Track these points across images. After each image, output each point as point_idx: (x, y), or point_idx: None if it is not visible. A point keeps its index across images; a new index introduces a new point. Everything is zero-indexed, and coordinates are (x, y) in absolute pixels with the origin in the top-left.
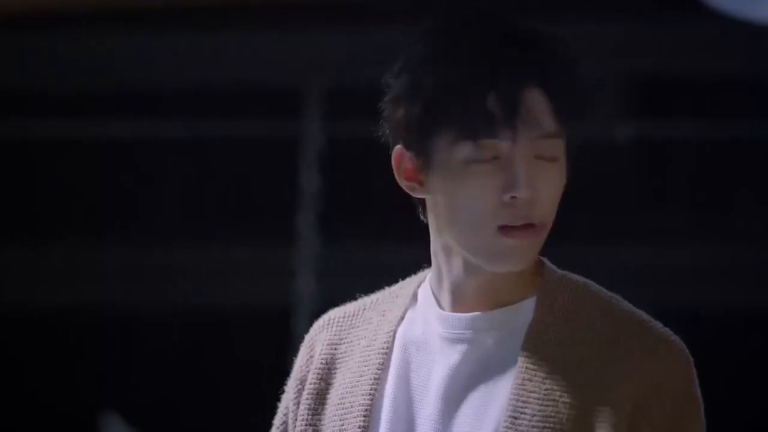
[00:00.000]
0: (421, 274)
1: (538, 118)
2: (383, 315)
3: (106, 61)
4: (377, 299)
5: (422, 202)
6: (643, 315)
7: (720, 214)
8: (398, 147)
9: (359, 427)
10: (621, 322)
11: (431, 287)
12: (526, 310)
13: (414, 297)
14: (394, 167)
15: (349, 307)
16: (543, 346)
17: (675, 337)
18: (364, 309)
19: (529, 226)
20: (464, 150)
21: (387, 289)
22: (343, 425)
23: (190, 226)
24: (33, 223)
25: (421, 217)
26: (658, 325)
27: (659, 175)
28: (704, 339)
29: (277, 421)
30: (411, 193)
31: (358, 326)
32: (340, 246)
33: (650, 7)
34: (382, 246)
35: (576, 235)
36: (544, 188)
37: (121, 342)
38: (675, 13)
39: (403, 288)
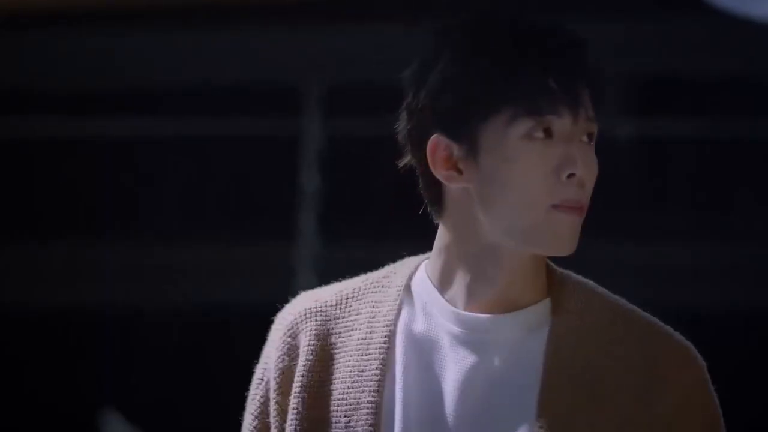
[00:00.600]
0: (406, 264)
1: (588, 102)
2: (374, 307)
3: (106, 60)
4: (359, 289)
5: (436, 196)
6: (653, 319)
7: (720, 214)
8: (434, 137)
9: (370, 425)
10: (637, 326)
11: (432, 282)
12: (542, 312)
13: (407, 289)
14: (429, 157)
15: (326, 296)
16: (566, 349)
17: (689, 343)
18: (347, 298)
19: (578, 207)
20: (522, 127)
21: (364, 276)
22: (349, 422)
23: (189, 225)
24: (32, 223)
25: (434, 215)
26: (671, 330)
27: (660, 174)
28: (704, 339)
29: (254, 410)
30: (447, 183)
31: (344, 317)
32: (340, 245)
33: (651, 5)
34: (382, 245)
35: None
36: (591, 172)
37: (121, 341)
38: (676, 11)
39: (387, 278)
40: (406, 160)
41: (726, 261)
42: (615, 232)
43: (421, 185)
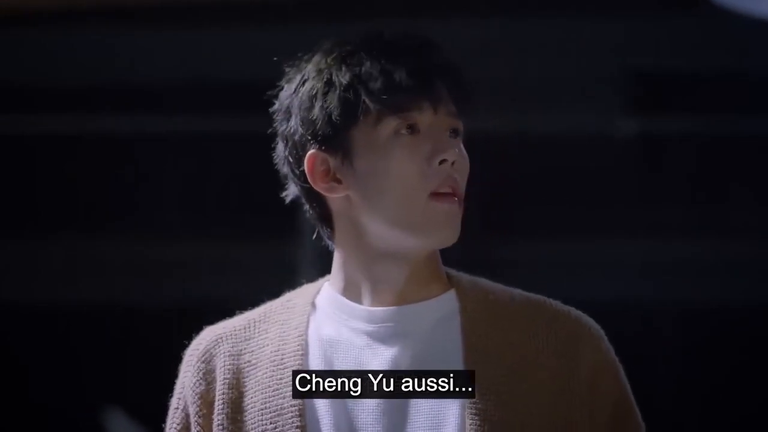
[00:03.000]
0: (307, 288)
1: (448, 99)
2: (283, 324)
3: (105, 57)
4: (265, 313)
5: (324, 216)
6: (550, 299)
7: (723, 211)
8: (310, 153)
9: (297, 427)
10: (542, 308)
11: (337, 293)
12: (449, 301)
13: (312, 305)
14: (308, 174)
15: (234, 323)
16: (481, 329)
17: (588, 317)
18: (255, 322)
19: (454, 195)
20: (388, 125)
21: (267, 304)
22: (275, 428)
23: (191, 222)
24: (32, 220)
25: (326, 236)
26: (570, 308)
27: (661, 171)
28: (705, 335)
29: None
30: (329, 194)
31: (254, 337)
32: None
33: (652, 3)
34: None
35: (579, 230)
36: (462, 162)
37: (124, 339)
38: (677, 8)
39: (291, 301)
40: (291, 192)
41: (727, 258)
42: (617, 230)
43: (307, 210)
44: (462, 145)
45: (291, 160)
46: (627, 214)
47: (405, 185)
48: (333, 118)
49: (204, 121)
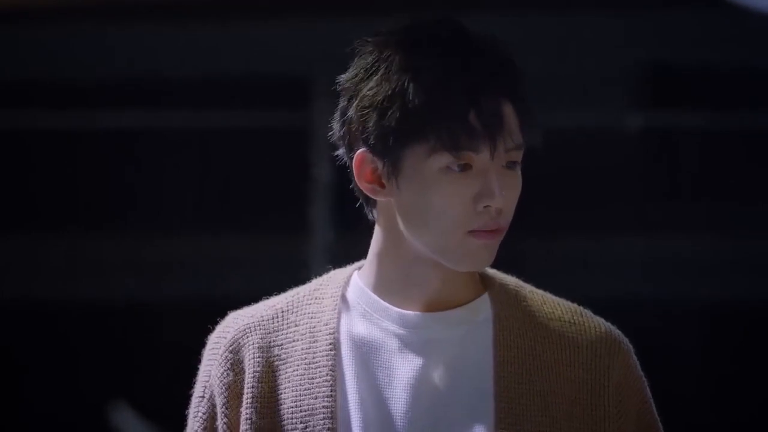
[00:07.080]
0: (336, 276)
1: (512, 131)
2: (312, 318)
3: (106, 55)
4: (292, 302)
5: (369, 198)
6: (580, 307)
7: (732, 206)
8: (361, 152)
9: (328, 429)
10: (572, 312)
11: (369, 289)
12: (481, 306)
13: (343, 299)
14: (354, 169)
15: (260, 311)
16: (513, 335)
17: (617, 330)
18: (282, 312)
19: (495, 231)
20: (441, 160)
21: (293, 291)
22: (306, 428)
23: (205, 218)
24: (36, 216)
25: (369, 215)
26: (600, 318)
27: (670, 166)
28: (711, 331)
29: (198, 427)
30: (371, 195)
31: (283, 329)
32: (354, 236)
33: None
34: None
35: (585, 228)
36: (510, 197)
37: (125, 335)
38: (686, 3)
39: (319, 290)
40: (342, 154)
41: (739, 253)
42: (624, 225)
43: (354, 186)
44: (519, 171)
45: (344, 141)
46: (629, 212)
47: (444, 221)
48: (389, 136)
49: (204, 119)
